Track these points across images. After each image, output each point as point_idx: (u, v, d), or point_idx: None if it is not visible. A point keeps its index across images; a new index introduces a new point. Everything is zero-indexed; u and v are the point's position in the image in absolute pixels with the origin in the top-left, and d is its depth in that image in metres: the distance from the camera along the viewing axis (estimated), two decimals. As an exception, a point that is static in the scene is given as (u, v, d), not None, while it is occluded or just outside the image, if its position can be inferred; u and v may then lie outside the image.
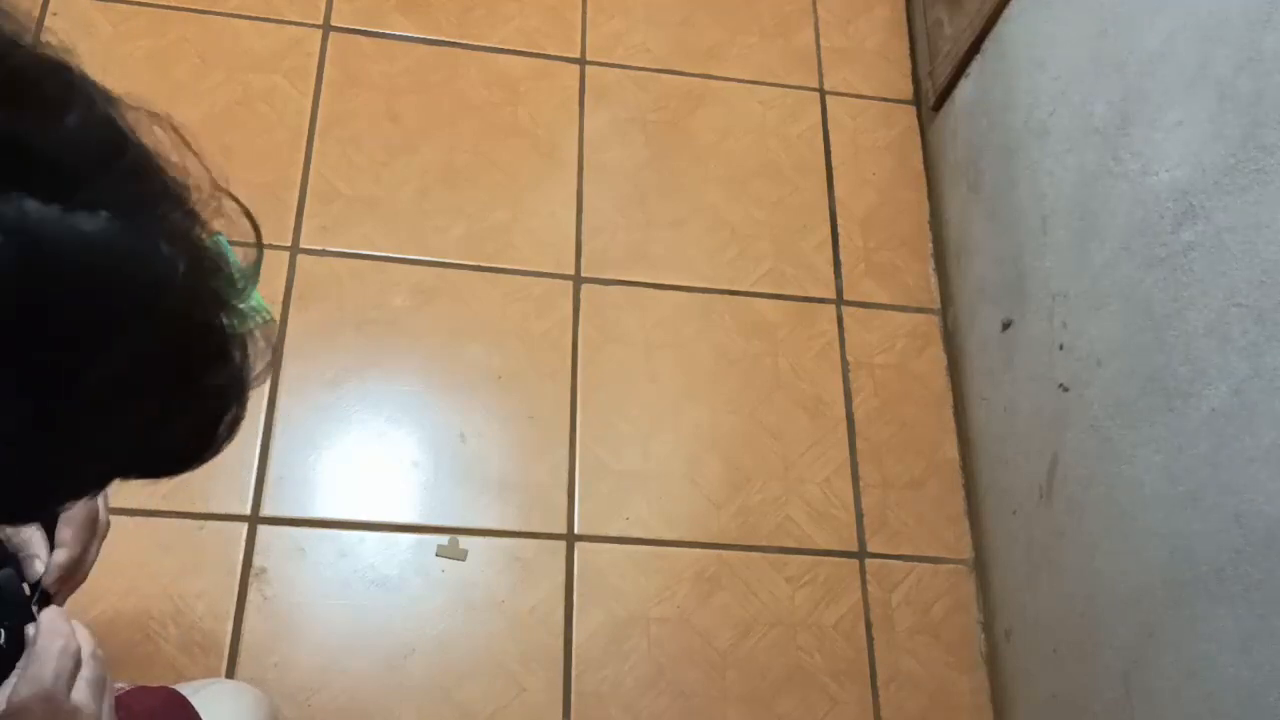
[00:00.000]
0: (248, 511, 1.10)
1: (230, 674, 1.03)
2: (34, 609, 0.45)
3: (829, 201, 1.39)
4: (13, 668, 0.42)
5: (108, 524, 0.54)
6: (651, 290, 1.29)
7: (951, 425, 1.29)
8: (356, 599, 1.09)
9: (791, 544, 1.20)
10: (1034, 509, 1.12)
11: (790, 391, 1.27)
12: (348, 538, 1.11)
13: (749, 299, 1.31)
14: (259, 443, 1.13)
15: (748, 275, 1.32)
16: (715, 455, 1.22)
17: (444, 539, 1.13)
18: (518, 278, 1.27)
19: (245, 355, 0.33)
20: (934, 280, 1.37)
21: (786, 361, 1.28)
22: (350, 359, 1.19)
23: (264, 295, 0.46)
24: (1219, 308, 0.87)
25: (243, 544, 1.09)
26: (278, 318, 1.17)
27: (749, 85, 1.44)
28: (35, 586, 0.48)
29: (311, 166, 1.26)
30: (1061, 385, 1.08)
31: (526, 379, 1.22)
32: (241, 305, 0.32)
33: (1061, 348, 1.09)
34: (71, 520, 0.50)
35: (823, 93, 1.46)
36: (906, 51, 1.51)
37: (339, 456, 1.15)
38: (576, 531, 1.16)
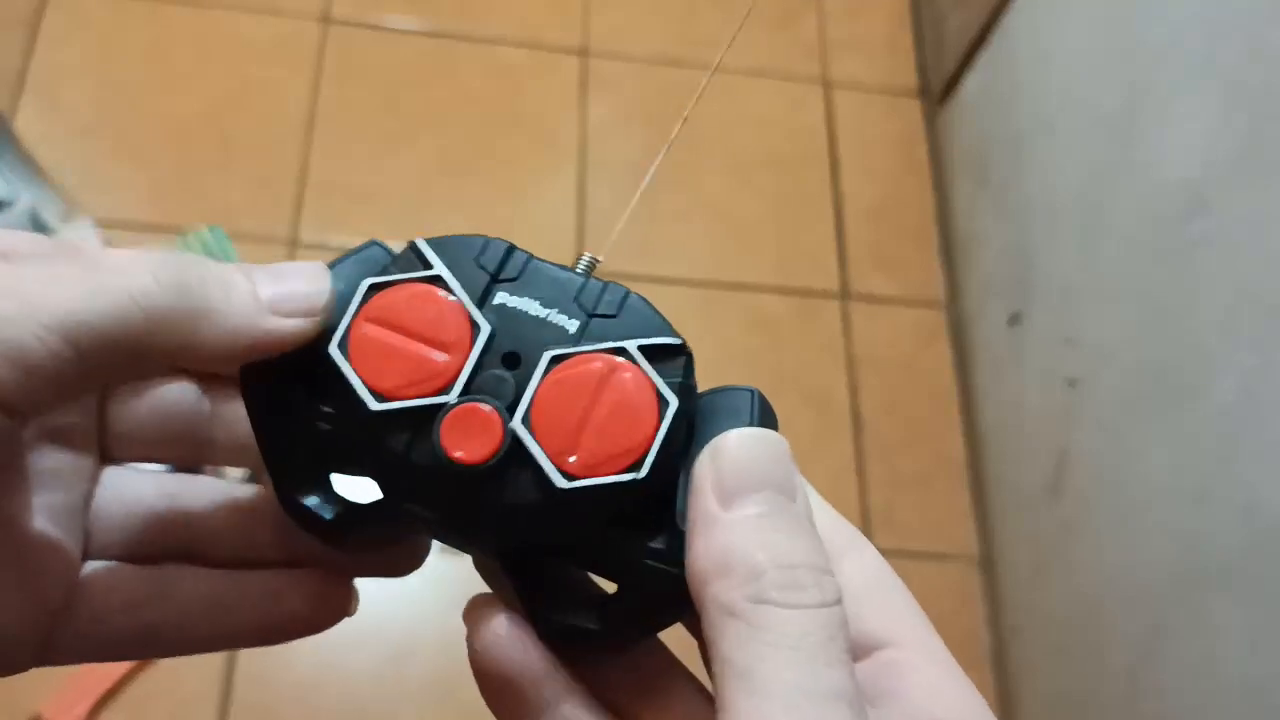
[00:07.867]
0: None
1: (229, 672, 1.02)
2: None
3: (834, 194, 1.38)
4: None
5: None
6: (653, 284, 1.28)
7: (958, 421, 1.28)
8: (357, 596, 1.08)
9: (796, 540, 1.19)
10: (1042, 505, 1.11)
11: (794, 386, 1.26)
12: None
13: (752, 293, 1.30)
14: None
15: (751, 269, 1.31)
16: (718, 450, 1.21)
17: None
18: (519, 271, 1.25)
19: None
20: (940, 274, 1.36)
21: (791, 356, 1.27)
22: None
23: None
24: (1228, 301, 0.86)
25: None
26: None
27: (752, 77, 1.42)
28: None
29: (310, 159, 1.25)
30: (1069, 380, 1.07)
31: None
32: None
33: (1069, 342, 1.08)
34: None
35: (827, 84, 1.45)
36: (912, 43, 1.50)
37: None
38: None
